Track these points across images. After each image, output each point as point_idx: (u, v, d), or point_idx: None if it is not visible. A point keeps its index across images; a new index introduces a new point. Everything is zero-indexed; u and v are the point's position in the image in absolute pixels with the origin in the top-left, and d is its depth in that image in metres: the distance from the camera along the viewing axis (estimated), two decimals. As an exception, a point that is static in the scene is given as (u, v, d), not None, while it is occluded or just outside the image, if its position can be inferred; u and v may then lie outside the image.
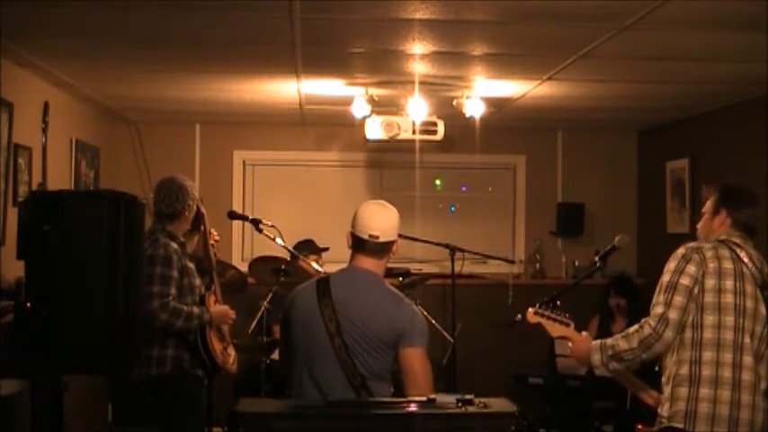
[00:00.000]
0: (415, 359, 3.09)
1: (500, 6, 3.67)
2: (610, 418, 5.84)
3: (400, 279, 5.97)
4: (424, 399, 2.75)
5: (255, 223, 4.82)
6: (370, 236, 3.15)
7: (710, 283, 3.11)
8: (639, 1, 3.52)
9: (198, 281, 4.29)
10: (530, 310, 3.50)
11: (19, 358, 3.24)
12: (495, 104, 6.00)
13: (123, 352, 3.29)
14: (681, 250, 3.18)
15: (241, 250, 7.24)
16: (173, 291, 4.07)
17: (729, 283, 3.11)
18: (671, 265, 3.16)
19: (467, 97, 5.54)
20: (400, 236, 3.27)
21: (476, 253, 6.31)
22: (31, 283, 3.21)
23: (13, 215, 4.45)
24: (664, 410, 3.15)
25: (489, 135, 7.04)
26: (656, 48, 4.37)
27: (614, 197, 7.55)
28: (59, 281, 3.17)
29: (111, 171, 6.76)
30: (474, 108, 5.58)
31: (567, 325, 3.43)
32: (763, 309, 3.14)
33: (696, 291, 3.11)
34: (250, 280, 5.83)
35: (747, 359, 3.09)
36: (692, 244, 3.21)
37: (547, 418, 5.78)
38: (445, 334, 6.03)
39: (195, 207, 4.35)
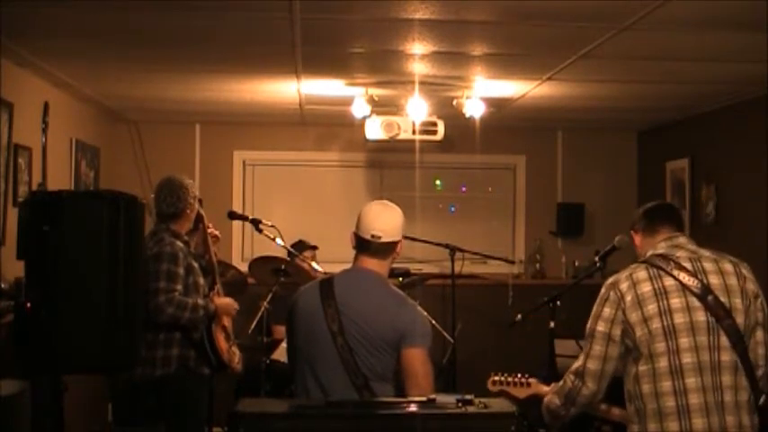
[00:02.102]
0: (416, 359, 3.09)
1: (500, 6, 3.66)
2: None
3: (400, 279, 5.97)
4: (423, 399, 2.75)
5: (255, 223, 4.83)
6: (373, 236, 3.15)
7: (633, 316, 2.88)
8: (639, 1, 3.52)
9: (202, 280, 4.30)
10: (489, 380, 3.41)
11: (19, 358, 3.24)
12: (495, 104, 6.00)
13: (123, 352, 3.30)
14: (602, 290, 3.01)
15: (241, 250, 7.24)
16: (179, 287, 4.09)
17: (652, 308, 2.86)
18: (594, 309, 3.01)
19: (467, 97, 5.54)
20: (400, 236, 3.27)
21: (476, 253, 6.31)
22: (31, 283, 3.21)
23: (13, 215, 4.44)
24: None
25: (489, 135, 7.04)
26: (656, 48, 4.37)
27: (614, 197, 7.55)
28: (59, 281, 3.17)
29: (111, 171, 6.77)
30: (474, 108, 5.58)
31: (529, 385, 3.34)
32: (701, 316, 2.84)
33: (618, 331, 2.90)
34: (250, 280, 5.83)
35: (691, 381, 2.80)
36: (610, 279, 3.02)
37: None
38: (445, 334, 6.02)
39: (197, 205, 4.36)
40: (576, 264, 7.35)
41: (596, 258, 4.55)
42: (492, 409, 2.68)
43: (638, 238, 3.17)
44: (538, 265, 7.43)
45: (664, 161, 7.02)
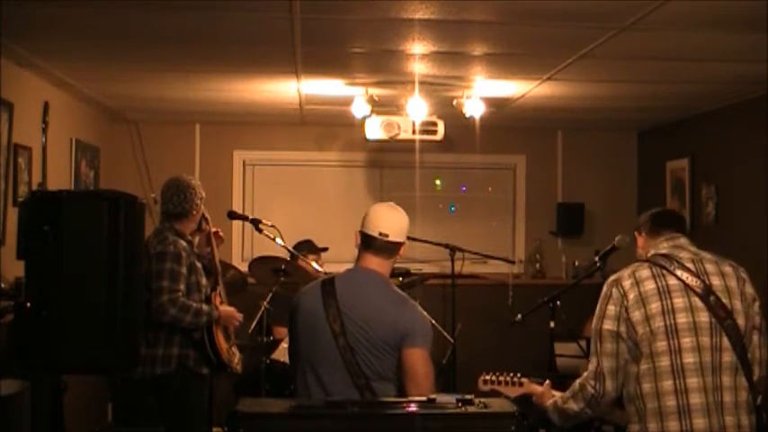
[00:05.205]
0: (417, 360, 3.10)
1: (500, 6, 3.67)
2: (610, 418, 5.84)
3: (400, 279, 5.96)
4: (424, 399, 2.75)
5: (255, 223, 4.83)
6: (381, 233, 3.16)
7: (636, 315, 2.89)
8: (639, 1, 3.52)
9: (204, 280, 4.30)
10: (480, 379, 3.43)
11: (19, 358, 3.24)
12: (495, 104, 6.00)
13: (123, 352, 3.29)
14: (604, 288, 3.03)
15: (241, 250, 7.24)
16: (181, 287, 4.09)
17: (655, 306, 2.88)
18: (597, 308, 3.01)
19: (467, 97, 5.54)
20: (402, 236, 3.27)
21: (476, 253, 6.31)
22: (31, 283, 3.21)
23: (13, 215, 4.44)
24: None
25: (489, 135, 7.05)
26: (656, 48, 4.37)
27: (614, 197, 7.55)
28: (59, 281, 3.17)
29: (111, 171, 6.76)
30: (474, 108, 5.58)
31: (521, 384, 3.36)
32: (704, 317, 2.85)
33: (624, 329, 2.91)
34: (250, 280, 5.83)
35: (692, 381, 2.81)
36: (612, 277, 3.03)
37: (547, 418, 5.77)
38: (445, 334, 6.02)
39: (202, 206, 4.37)
40: (576, 264, 7.35)
41: (596, 258, 4.56)
42: (492, 409, 2.68)
43: (641, 240, 3.20)
44: (538, 265, 7.43)
45: (664, 161, 7.02)
